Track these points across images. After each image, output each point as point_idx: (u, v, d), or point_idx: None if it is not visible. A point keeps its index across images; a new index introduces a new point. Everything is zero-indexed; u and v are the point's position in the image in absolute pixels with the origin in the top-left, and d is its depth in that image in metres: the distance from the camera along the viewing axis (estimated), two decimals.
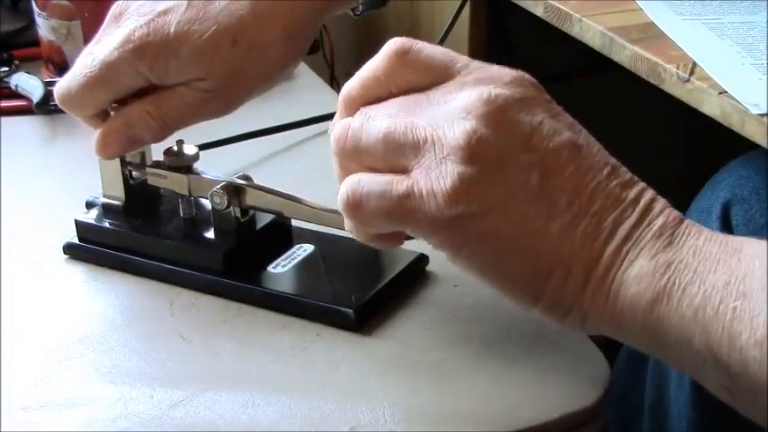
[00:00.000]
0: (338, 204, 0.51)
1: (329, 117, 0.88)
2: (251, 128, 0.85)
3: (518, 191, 0.47)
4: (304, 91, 0.97)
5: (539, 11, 0.89)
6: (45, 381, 0.58)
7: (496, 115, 0.47)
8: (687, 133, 1.12)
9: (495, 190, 0.47)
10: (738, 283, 0.44)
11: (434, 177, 0.47)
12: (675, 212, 0.48)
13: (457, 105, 0.48)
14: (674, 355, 0.47)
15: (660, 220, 0.47)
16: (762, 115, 0.67)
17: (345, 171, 0.51)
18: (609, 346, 0.60)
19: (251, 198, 0.65)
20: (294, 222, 0.68)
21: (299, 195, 0.65)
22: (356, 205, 0.50)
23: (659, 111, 1.00)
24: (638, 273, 0.46)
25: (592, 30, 0.82)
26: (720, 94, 0.70)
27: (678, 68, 0.74)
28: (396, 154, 0.49)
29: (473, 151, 0.46)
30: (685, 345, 0.45)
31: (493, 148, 0.47)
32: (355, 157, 0.51)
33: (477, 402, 0.55)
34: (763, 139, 0.67)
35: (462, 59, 0.50)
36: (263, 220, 0.67)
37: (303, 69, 1.02)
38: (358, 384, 0.56)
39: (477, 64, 0.50)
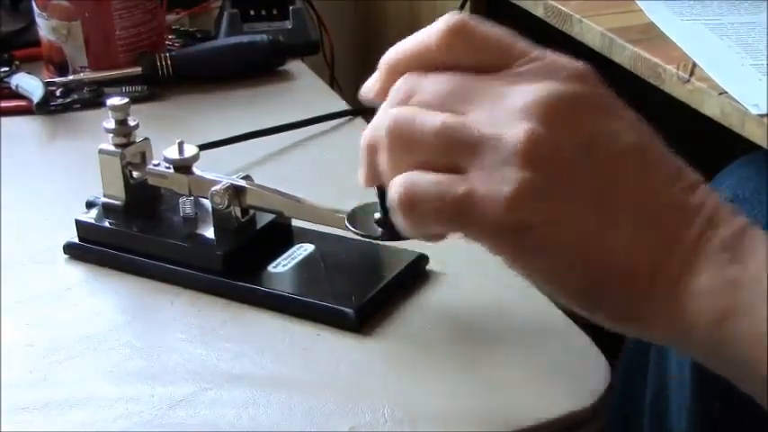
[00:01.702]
0: (391, 202, 0.48)
1: (329, 117, 0.89)
2: (251, 128, 0.85)
3: (580, 199, 0.44)
4: (304, 91, 0.97)
5: (539, 11, 0.89)
6: (45, 381, 0.58)
7: (558, 116, 0.44)
8: (687, 134, 1.12)
9: (556, 199, 0.44)
10: None
11: (494, 181, 0.44)
12: (740, 218, 0.46)
13: (516, 102, 0.45)
14: (740, 376, 0.46)
15: (726, 230, 0.45)
16: (762, 115, 0.67)
17: (396, 165, 0.47)
18: (609, 346, 0.60)
19: (251, 198, 0.65)
20: (294, 222, 0.68)
21: (299, 195, 0.65)
22: (411, 206, 0.46)
23: (659, 111, 1.00)
24: (703, 288, 0.44)
25: (592, 30, 0.82)
26: (720, 94, 0.70)
27: (678, 69, 0.74)
28: (453, 151, 0.46)
29: (534, 155, 0.43)
30: (751, 367, 0.44)
31: (555, 153, 0.44)
32: (408, 149, 0.47)
33: (477, 402, 0.55)
34: (763, 139, 0.67)
35: (520, 44, 0.47)
36: (264, 219, 0.67)
37: (303, 69, 1.02)
38: (358, 384, 0.57)
39: (537, 52, 0.47)
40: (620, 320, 0.47)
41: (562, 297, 0.48)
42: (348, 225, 0.61)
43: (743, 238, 0.45)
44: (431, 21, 0.48)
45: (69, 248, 0.69)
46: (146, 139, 0.69)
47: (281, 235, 0.67)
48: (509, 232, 0.45)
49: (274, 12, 1.09)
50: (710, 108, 0.71)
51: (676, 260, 0.45)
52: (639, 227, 0.45)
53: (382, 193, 0.59)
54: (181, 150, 0.67)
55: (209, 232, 0.66)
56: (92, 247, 0.69)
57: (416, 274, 0.65)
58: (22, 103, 0.94)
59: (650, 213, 0.45)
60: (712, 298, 0.44)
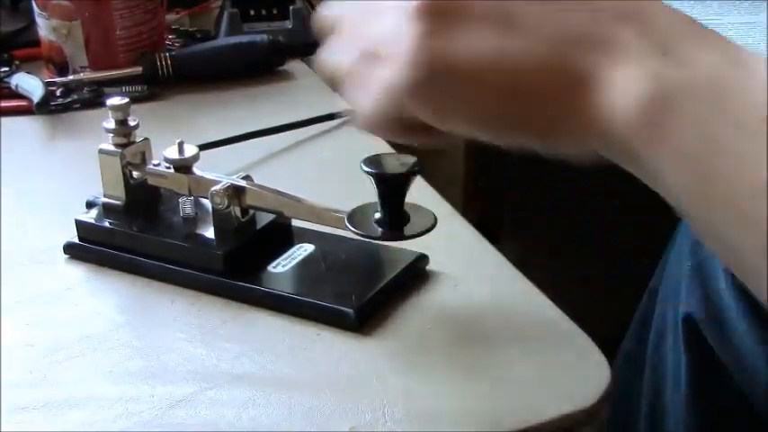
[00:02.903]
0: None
1: (329, 117, 0.89)
2: (251, 128, 0.85)
3: (478, 27, 0.46)
4: (304, 91, 0.98)
5: None
6: (45, 381, 0.58)
7: None
8: None
9: (451, 37, 0.47)
10: (747, 115, 0.41)
11: (396, 47, 0.48)
12: (675, 14, 0.45)
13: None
14: (651, 176, 0.45)
15: (659, 27, 0.44)
16: None
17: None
18: (609, 347, 0.60)
19: (251, 198, 0.65)
20: (294, 222, 0.68)
21: (299, 195, 0.65)
22: (367, 124, 0.51)
23: None
24: (630, 88, 0.43)
25: None
26: None
27: None
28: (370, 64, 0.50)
29: (420, 10, 0.47)
30: (673, 176, 0.43)
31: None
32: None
33: (477, 402, 0.55)
34: None
35: None
36: (264, 219, 0.67)
37: (303, 69, 1.02)
38: (358, 384, 0.57)
39: None
40: (545, 137, 0.47)
41: (486, 133, 0.48)
42: (348, 225, 0.61)
43: (679, 37, 0.44)
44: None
45: (69, 248, 0.69)
46: (146, 139, 0.69)
47: (281, 235, 0.67)
48: (423, 86, 0.47)
49: (274, 12, 1.09)
50: None
51: (599, 58, 0.44)
52: (544, 33, 0.46)
53: (382, 193, 0.59)
54: (181, 150, 0.67)
55: (209, 232, 0.66)
56: (92, 247, 0.69)
57: (416, 274, 0.65)
58: (22, 103, 0.94)
59: (555, 17, 0.46)
60: (637, 100, 0.43)
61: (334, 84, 0.54)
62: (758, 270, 0.41)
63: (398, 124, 0.51)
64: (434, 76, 0.47)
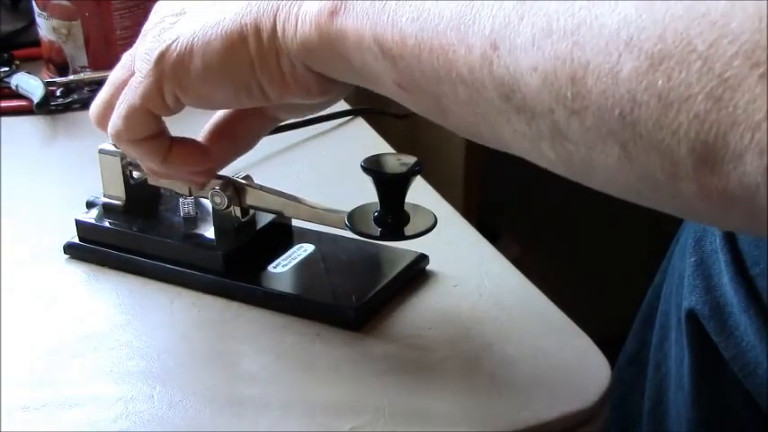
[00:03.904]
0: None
1: (329, 117, 0.89)
2: None
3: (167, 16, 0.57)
4: None
5: None
6: (45, 381, 0.58)
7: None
8: None
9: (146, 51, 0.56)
10: None
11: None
12: None
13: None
14: (357, 65, 0.50)
15: None
16: None
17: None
18: (609, 347, 0.60)
19: (251, 198, 0.65)
20: (294, 222, 0.68)
21: (299, 195, 0.65)
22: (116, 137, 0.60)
23: None
24: (309, 8, 0.51)
25: None
26: None
27: None
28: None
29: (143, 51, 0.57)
30: (360, 46, 0.49)
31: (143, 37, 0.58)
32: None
33: (477, 402, 0.55)
34: None
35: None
36: (264, 219, 0.67)
37: None
38: (358, 384, 0.57)
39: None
40: (273, 69, 0.54)
41: (227, 101, 0.57)
42: (348, 225, 0.61)
43: None
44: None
45: (69, 248, 0.69)
46: None
47: (281, 235, 0.67)
48: (163, 79, 0.56)
49: None
50: None
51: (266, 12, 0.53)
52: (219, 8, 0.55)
53: (382, 193, 0.59)
54: None
55: (209, 232, 0.66)
56: (92, 247, 0.69)
57: (416, 274, 0.65)
58: (22, 103, 0.94)
59: None
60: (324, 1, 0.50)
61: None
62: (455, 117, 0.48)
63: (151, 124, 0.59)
64: (167, 67, 0.55)
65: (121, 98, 0.58)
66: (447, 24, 0.45)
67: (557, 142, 0.42)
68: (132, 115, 0.58)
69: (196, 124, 0.67)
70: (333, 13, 0.50)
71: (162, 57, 0.55)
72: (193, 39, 0.55)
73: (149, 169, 0.63)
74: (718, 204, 0.38)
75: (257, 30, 0.53)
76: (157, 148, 0.60)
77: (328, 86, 0.55)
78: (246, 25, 0.53)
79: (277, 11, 0.52)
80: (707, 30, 0.36)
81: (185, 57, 0.55)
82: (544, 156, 0.44)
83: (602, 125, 0.40)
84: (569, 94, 0.40)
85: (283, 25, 0.52)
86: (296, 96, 0.55)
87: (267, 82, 0.54)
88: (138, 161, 0.63)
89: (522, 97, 0.42)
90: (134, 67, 0.57)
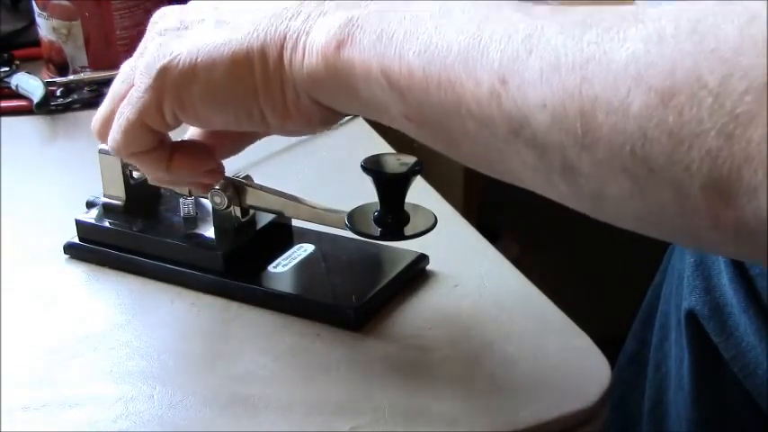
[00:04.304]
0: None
1: None
2: None
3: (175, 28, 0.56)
4: None
5: None
6: (45, 381, 0.58)
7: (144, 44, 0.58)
8: None
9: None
10: (413, 16, 0.48)
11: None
12: None
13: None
14: (364, 96, 0.50)
15: None
16: None
17: None
18: (609, 347, 0.60)
19: (251, 198, 0.65)
20: (294, 222, 0.68)
21: (299, 195, 0.65)
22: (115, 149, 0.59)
23: None
24: (324, 28, 0.50)
25: None
26: None
27: None
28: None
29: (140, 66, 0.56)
30: (367, 78, 0.49)
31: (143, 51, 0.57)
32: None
33: (477, 402, 0.55)
34: None
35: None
36: (264, 219, 0.67)
37: None
38: (358, 384, 0.57)
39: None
40: (276, 101, 0.53)
41: (224, 120, 0.55)
42: (348, 225, 0.61)
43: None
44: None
45: (69, 248, 0.69)
46: None
47: (281, 235, 0.67)
48: (165, 89, 0.55)
49: None
50: None
51: (298, 23, 0.52)
52: (242, 21, 0.54)
53: (382, 193, 0.59)
54: None
55: (209, 232, 0.66)
56: (92, 247, 0.69)
57: (416, 274, 0.65)
58: (22, 103, 0.94)
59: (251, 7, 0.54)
60: (331, 33, 0.50)
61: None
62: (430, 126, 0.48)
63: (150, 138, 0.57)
64: (168, 83, 0.54)
65: (119, 112, 0.57)
66: (455, 58, 0.45)
67: (568, 175, 0.42)
68: (130, 130, 0.56)
69: None
70: (340, 45, 0.49)
71: (163, 72, 0.54)
72: (198, 56, 0.53)
73: (156, 179, 0.61)
74: (730, 236, 0.38)
75: (263, 56, 0.52)
76: (158, 159, 0.59)
77: (330, 117, 0.54)
78: (253, 50, 0.52)
79: (284, 39, 0.52)
80: (717, 66, 0.36)
81: (188, 74, 0.54)
82: (555, 188, 0.44)
83: (613, 160, 0.39)
84: (579, 129, 0.40)
85: (290, 54, 0.52)
86: (296, 125, 0.55)
87: (270, 110, 0.54)
88: (143, 172, 0.63)
89: (532, 132, 0.42)
90: (134, 81, 0.57)
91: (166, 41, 0.55)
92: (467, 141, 0.46)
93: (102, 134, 0.60)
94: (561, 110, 0.40)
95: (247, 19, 0.53)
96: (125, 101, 0.57)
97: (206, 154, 0.61)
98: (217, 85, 0.53)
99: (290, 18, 0.52)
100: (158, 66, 0.54)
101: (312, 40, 0.51)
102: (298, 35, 0.51)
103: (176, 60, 0.54)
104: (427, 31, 0.46)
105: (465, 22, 0.45)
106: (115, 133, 0.57)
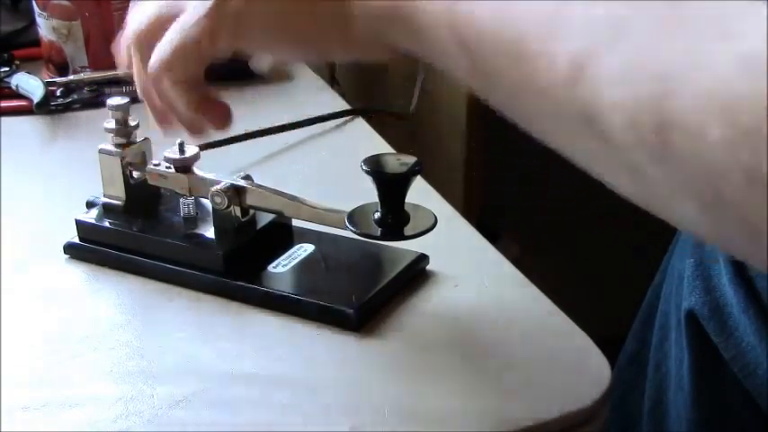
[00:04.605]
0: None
1: (329, 117, 0.89)
2: (251, 128, 0.85)
3: None
4: (304, 91, 0.98)
5: None
6: (45, 381, 0.58)
7: None
8: None
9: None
10: None
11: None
12: None
13: None
14: (431, 46, 0.47)
15: None
16: None
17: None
18: (609, 347, 0.60)
19: (251, 198, 0.65)
20: (294, 222, 0.68)
21: (299, 195, 0.65)
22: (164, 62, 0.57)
23: None
24: None
25: None
26: None
27: None
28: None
29: None
30: (435, 27, 0.46)
31: None
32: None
33: (477, 402, 0.55)
34: None
35: None
36: (264, 219, 0.67)
37: (303, 69, 1.02)
38: (358, 384, 0.57)
39: None
40: (328, 40, 0.52)
41: (278, 46, 0.55)
42: (348, 225, 0.61)
43: None
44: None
45: (69, 248, 0.69)
46: (146, 139, 0.69)
47: (281, 235, 0.67)
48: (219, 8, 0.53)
49: None
50: None
51: None
52: None
53: (382, 193, 0.59)
54: (181, 150, 0.67)
55: (209, 232, 0.66)
56: (92, 247, 0.69)
57: (416, 274, 0.65)
58: (22, 103, 0.94)
59: None
60: None
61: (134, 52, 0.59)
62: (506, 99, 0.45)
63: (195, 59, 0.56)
64: (228, 11, 0.53)
65: (171, 34, 0.55)
66: (531, 30, 0.42)
67: (638, 179, 0.40)
68: (180, 54, 0.55)
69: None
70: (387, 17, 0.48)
71: (222, 2, 0.53)
72: None
73: (182, 117, 0.60)
74: None
75: None
76: (195, 95, 0.58)
77: (394, 52, 0.52)
78: None
79: None
80: None
81: (247, 6, 0.52)
82: (622, 186, 0.42)
83: (685, 181, 0.37)
84: (655, 141, 0.37)
85: None
86: (358, 57, 0.53)
87: (333, 42, 0.52)
88: (176, 105, 0.60)
89: (605, 128, 0.39)
90: (182, 4, 0.54)
91: None
92: (535, 118, 0.44)
93: (142, 52, 0.58)
94: (638, 117, 0.37)
95: None
96: (177, 25, 0.55)
97: (227, 108, 0.61)
98: (278, 18, 0.52)
99: None
100: None
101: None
102: None
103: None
104: None
105: None
106: (163, 54, 0.56)
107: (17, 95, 0.95)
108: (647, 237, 0.82)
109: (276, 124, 0.86)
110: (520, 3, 0.43)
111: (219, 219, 0.66)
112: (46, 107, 0.92)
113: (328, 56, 0.54)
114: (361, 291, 0.62)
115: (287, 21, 0.52)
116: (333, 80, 1.24)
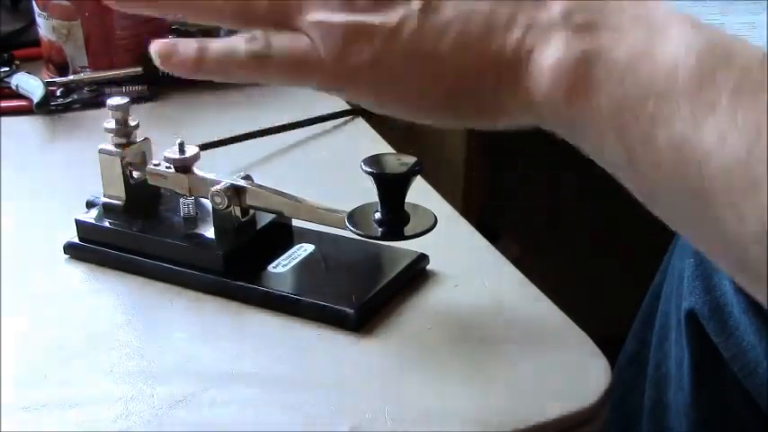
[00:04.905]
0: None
1: (329, 117, 0.89)
2: (251, 128, 0.85)
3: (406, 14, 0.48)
4: (304, 91, 0.97)
5: None
6: (45, 380, 0.58)
7: None
8: None
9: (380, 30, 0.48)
10: (664, 89, 0.41)
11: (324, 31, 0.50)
12: None
13: None
14: (591, 150, 0.45)
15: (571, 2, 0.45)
16: None
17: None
18: (609, 347, 0.60)
19: (251, 198, 0.65)
20: (294, 222, 0.68)
21: (299, 195, 0.65)
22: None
23: None
24: (550, 59, 0.45)
25: None
26: None
27: None
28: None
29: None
30: (599, 138, 0.44)
31: None
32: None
33: (477, 402, 0.55)
34: None
35: None
36: (264, 219, 0.67)
37: None
38: (358, 384, 0.57)
39: None
40: (478, 118, 0.49)
41: (419, 115, 0.50)
42: (348, 225, 0.61)
43: (602, 8, 0.45)
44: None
45: (69, 248, 0.69)
46: (146, 139, 0.69)
47: (281, 235, 0.67)
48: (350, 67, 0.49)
49: None
50: None
51: (516, 40, 0.46)
52: (465, 21, 0.47)
53: (382, 193, 0.59)
54: (181, 150, 0.67)
55: (209, 232, 0.66)
56: (92, 247, 0.69)
57: (416, 274, 0.65)
58: (22, 103, 0.94)
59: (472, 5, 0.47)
60: (560, 74, 0.44)
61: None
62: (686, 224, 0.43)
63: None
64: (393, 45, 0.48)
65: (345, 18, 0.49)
66: (716, 174, 0.38)
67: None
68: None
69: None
70: (571, 93, 0.44)
71: (400, 27, 0.47)
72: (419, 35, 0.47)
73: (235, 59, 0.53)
74: None
75: (480, 76, 0.47)
76: (270, 64, 0.53)
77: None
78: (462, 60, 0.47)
79: (499, 58, 0.46)
80: None
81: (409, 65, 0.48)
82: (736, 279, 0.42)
83: None
84: None
85: (508, 77, 0.46)
86: (493, 128, 0.49)
87: (473, 115, 0.49)
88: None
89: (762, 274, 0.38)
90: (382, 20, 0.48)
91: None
92: (697, 242, 0.43)
93: None
94: None
95: (476, 16, 0.47)
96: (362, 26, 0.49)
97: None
98: (426, 78, 0.48)
99: (504, 28, 0.46)
100: (401, 14, 0.48)
101: (535, 70, 0.45)
102: (516, 58, 0.46)
103: (413, 23, 0.47)
104: (682, 119, 0.39)
105: (728, 122, 0.38)
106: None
107: (17, 95, 0.95)
108: (647, 237, 0.82)
109: (276, 124, 0.86)
110: (700, 133, 0.39)
111: (219, 219, 0.65)
112: (46, 107, 0.92)
113: (461, 124, 0.50)
114: (361, 291, 0.62)
115: (440, 91, 0.48)
116: None
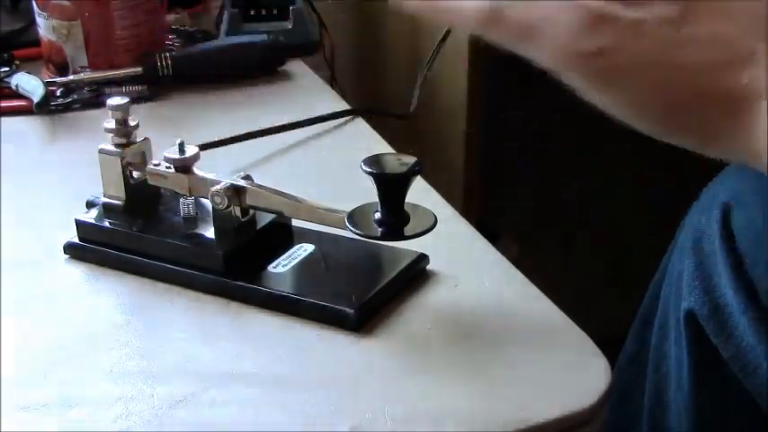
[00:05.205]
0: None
1: (329, 117, 0.89)
2: (251, 128, 0.85)
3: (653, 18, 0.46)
4: (304, 91, 0.98)
5: None
6: (45, 380, 0.58)
7: None
8: None
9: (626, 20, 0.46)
10: None
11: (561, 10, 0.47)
12: None
13: None
14: None
15: None
16: None
17: None
18: (609, 347, 0.60)
19: (251, 198, 0.65)
20: (294, 222, 0.68)
21: (299, 195, 0.65)
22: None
23: None
24: None
25: None
26: None
27: None
28: None
29: None
30: None
31: None
32: None
33: (477, 402, 0.55)
34: None
35: None
36: (264, 219, 0.67)
37: (303, 69, 1.02)
38: (358, 384, 0.57)
39: None
40: (708, 142, 0.46)
41: (646, 123, 0.48)
42: (348, 225, 0.61)
43: None
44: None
45: (69, 248, 0.69)
46: (146, 139, 0.69)
47: (281, 235, 0.67)
48: (587, 57, 0.46)
49: (275, 12, 1.09)
50: None
51: (748, 81, 0.44)
52: (719, 38, 0.45)
53: (382, 193, 0.59)
54: (181, 150, 0.67)
55: (209, 232, 0.66)
56: (92, 247, 0.69)
57: (416, 274, 0.65)
58: (22, 103, 0.94)
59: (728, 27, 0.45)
60: None
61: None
62: None
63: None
64: (603, 57, 0.47)
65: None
66: None
67: None
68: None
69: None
70: None
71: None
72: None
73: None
74: None
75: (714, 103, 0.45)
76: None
77: None
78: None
79: (729, 95, 0.44)
80: None
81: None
82: None
83: None
84: None
85: (739, 118, 0.44)
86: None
87: (697, 141, 0.47)
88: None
89: None
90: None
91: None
92: None
93: None
94: None
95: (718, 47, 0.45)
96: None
97: None
98: (656, 93, 0.47)
99: (742, 63, 0.44)
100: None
101: (756, 123, 0.43)
102: (744, 100, 0.44)
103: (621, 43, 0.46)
104: None
105: None
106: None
107: (17, 95, 0.95)
108: (647, 237, 0.82)
109: (276, 124, 0.86)
110: None
111: (219, 219, 0.66)
112: (46, 107, 0.92)
113: (692, 147, 0.47)
114: (361, 291, 0.62)
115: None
116: (333, 80, 1.24)
